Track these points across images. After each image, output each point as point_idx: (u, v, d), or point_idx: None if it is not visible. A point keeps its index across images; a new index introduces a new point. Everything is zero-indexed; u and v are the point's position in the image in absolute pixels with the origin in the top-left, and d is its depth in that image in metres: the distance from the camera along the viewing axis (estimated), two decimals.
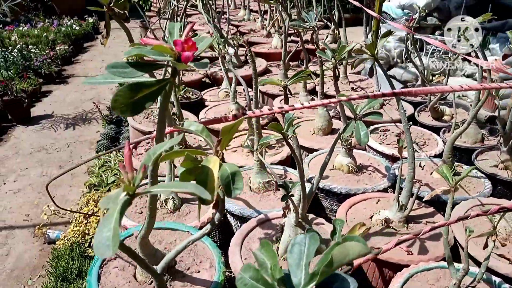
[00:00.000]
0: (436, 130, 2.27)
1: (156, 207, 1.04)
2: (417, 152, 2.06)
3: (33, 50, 5.66)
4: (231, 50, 2.04)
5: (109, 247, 0.50)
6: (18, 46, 5.50)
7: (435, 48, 5.01)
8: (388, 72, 5.39)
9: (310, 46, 3.35)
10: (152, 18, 5.35)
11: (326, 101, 0.93)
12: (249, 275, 0.56)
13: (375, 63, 1.46)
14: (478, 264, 1.31)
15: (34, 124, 4.35)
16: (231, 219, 1.69)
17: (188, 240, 0.76)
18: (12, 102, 4.28)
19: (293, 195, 1.15)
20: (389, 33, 1.41)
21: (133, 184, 0.57)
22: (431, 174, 1.85)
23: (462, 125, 2.16)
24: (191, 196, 1.69)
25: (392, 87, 1.43)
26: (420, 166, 1.91)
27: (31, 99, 4.66)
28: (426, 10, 5.55)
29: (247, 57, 1.77)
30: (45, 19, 7.67)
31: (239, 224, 1.62)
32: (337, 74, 1.57)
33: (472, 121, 1.69)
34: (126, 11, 1.01)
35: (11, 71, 4.59)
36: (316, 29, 1.96)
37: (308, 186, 1.30)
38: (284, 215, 1.20)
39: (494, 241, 1.00)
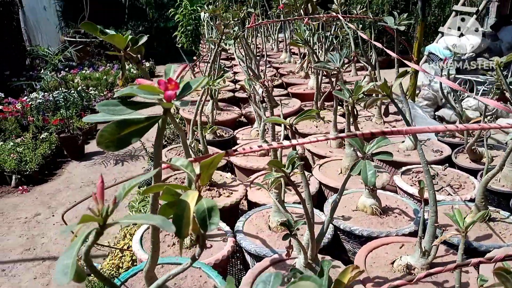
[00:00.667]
0: (474, 173, 2.14)
1: (159, 240, 1.07)
2: (451, 195, 1.95)
3: (92, 92, 6.16)
4: (260, 90, 2.11)
5: (66, 274, 0.53)
6: (79, 88, 6.02)
7: (486, 89, 4.81)
8: (436, 113, 5.22)
9: None
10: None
11: (322, 138, 0.93)
12: None
13: (397, 103, 1.44)
14: None
15: (86, 160, 4.67)
16: (248, 258, 1.68)
17: (168, 274, 0.78)
18: (68, 139, 4.64)
19: (295, 234, 1.13)
20: (405, 72, 1.40)
21: (101, 215, 0.60)
22: (464, 218, 1.73)
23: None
24: (208, 232, 1.71)
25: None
26: (453, 208, 1.80)
27: (86, 136, 5.03)
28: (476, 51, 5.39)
29: (269, 95, 1.82)
30: (107, 63, 8.37)
31: (254, 263, 1.60)
32: (355, 113, 1.56)
33: (505, 163, 1.59)
34: (139, 55, 1.09)
35: (70, 110, 5.00)
36: (342, 70, 1.98)
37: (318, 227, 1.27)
38: (288, 255, 1.17)
39: None
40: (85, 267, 0.73)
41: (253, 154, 2.44)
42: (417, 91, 5.29)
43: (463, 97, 4.53)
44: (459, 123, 3.01)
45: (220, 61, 3.88)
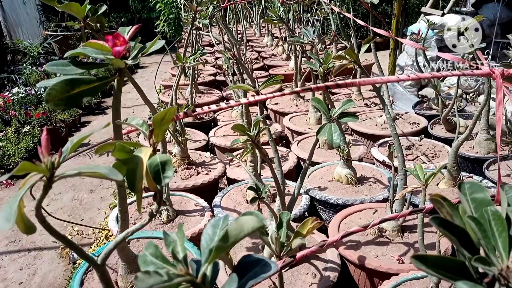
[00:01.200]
0: (449, 142, 2.18)
1: (127, 209, 1.08)
2: (426, 163, 1.98)
3: None
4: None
5: (9, 221, 0.54)
6: None
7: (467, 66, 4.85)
8: (420, 93, 5.26)
9: None
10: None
11: (278, 94, 0.94)
12: (149, 251, 0.58)
13: (360, 69, 1.45)
14: None
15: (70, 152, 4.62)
16: None
17: (126, 231, 0.79)
18: (51, 131, 4.60)
19: (264, 198, 1.15)
20: (371, 38, 1.41)
21: (47, 167, 0.61)
22: (437, 184, 1.77)
23: (476, 135, 2.08)
24: (186, 208, 1.72)
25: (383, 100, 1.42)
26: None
27: (70, 129, 4.99)
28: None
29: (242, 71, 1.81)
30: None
31: None
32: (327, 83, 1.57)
33: (473, 127, 1.62)
34: (99, 24, 1.09)
35: None
36: (315, 44, 1.99)
37: (305, 199, 1.29)
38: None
39: None
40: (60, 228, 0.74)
41: (234, 133, 2.45)
42: (401, 72, 5.32)
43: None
44: (427, 86, 3.02)
45: (202, 46, 3.86)
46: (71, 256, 2.35)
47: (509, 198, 0.53)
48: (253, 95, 1.18)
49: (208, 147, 2.51)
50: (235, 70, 1.63)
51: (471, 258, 0.49)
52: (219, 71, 3.93)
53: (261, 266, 0.62)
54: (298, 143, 2.28)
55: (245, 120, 1.53)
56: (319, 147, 2.22)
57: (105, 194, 3.19)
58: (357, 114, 2.65)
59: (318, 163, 2.03)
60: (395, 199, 1.28)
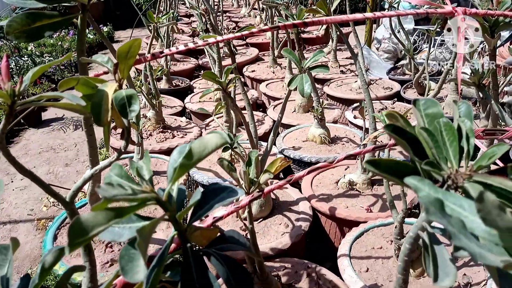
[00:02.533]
0: None
1: (98, 159, 1.08)
2: None
3: (47, 59, 5.89)
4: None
5: None
6: (32, 55, 5.74)
7: (443, 40, 4.92)
8: (397, 65, 5.33)
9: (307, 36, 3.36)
10: None
11: (246, 32, 0.94)
12: (114, 172, 0.58)
13: (336, 28, 1.46)
14: None
15: (44, 126, 4.52)
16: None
17: (94, 169, 0.79)
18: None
19: (236, 147, 1.16)
20: None
21: (8, 93, 0.60)
22: None
23: (446, 97, 2.13)
24: (162, 169, 1.72)
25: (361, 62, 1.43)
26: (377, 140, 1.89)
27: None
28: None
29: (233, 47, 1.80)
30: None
31: None
32: (300, 41, 1.58)
33: (440, 88, 1.66)
34: None
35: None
36: (290, 4, 1.98)
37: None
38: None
39: None
40: None
41: (209, 99, 2.44)
42: (378, 45, 5.36)
43: (421, 48, 4.64)
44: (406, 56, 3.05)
45: (178, 14, 3.78)
46: (47, 227, 2.33)
47: (461, 112, 0.56)
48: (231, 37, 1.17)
49: (184, 114, 2.49)
50: (208, 26, 1.61)
51: (421, 162, 0.51)
52: (195, 38, 3.87)
53: (228, 192, 0.63)
54: (274, 108, 2.29)
55: (218, 69, 1.52)
56: (294, 110, 2.24)
57: (81, 168, 3.15)
58: (332, 80, 2.67)
59: (293, 126, 2.05)
60: (362, 143, 1.31)
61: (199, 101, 2.45)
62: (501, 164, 0.62)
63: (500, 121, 1.25)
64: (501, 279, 0.43)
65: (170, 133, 1.99)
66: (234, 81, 1.11)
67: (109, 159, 0.81)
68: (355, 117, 2.10)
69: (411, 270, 1.10)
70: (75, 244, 0.45)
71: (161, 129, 2.00)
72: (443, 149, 0.54)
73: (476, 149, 0.65)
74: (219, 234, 0.70)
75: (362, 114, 1.48)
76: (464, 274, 1.09)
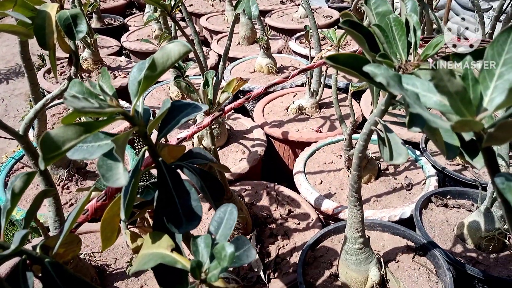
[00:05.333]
0: None
1: (40, 97, 1.02)
2: (339, 50, 2.09)
3: None
4: None
5: None
6: None
7: None
8: None
9: None
10: None
11: None
12: (75, 90, 0.56)
13: None
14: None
15: None
16: None
17: (45, 98, 0.76)
18: None
19: (187, 76, 1.15)
20: None
21: None
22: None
23: None
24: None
25: None
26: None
27: None
28: None
29: None
30: None
31: None
32: None
33: None
34: None
35: None
36: None
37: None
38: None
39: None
40: None
41: (151, 37, 2.33)
42: None
43: None
44: None
45: None
46: None
47: (407, 8, 0.59)
48: None
49: (121, 53, 2.37)
50: None
51: (375, 55, 0.55)
52: None
53: (192, 108, 0.64)
54: (217, 41, 2.24)
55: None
56: (238, 43, 2.22)
57: (13, 123, 2.91)
58: (273, 11, 2.64)
59: (239, 58, 2.04)
60: (313, 61, 1.35)
61: (137, 39, 2.33)
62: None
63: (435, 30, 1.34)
64: (447, 149, 0.50)
65: (111, 73, 1.90)
66: (179, 5, 1.07)
67: (58, 87, 0.77)
68: (300, 43, 2.12)
69: None
70: (48, 159, 0.45)
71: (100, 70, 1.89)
72: (393, 43, 0.58)
73: None
74: (186, 151, 0.72)
75: (307, 38, 1.51)
76: (406, 177, 1.21)
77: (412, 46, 0.56)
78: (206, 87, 0.85)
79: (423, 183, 1.18)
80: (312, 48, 1.52)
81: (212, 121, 0.83)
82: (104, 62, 1.93)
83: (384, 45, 0.57)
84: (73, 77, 0.75)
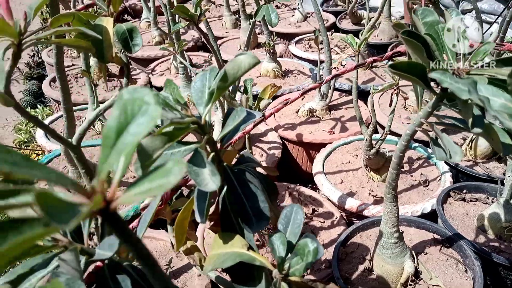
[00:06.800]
0: (356, 33, 2.37)
1: (71, 102, 1.03)
2: (339, 54, 2.15)
3: None
4: None
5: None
6: None
7: None
8: None
9: None
10: None
11: None
12: (164, 95, 0.59)
13: None
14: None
15: None
16: None
17: (99, 109, 0.78)
18: None
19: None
20: None
21: (18, 32, 0.56)
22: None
23: (379, 25, 2.28)
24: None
25: None
26: (341, 65, 2.01)
27: None
28: None
29: None
30: None
31: None
32: None
33: (379, 16, 1.78)
34: None
35: None
36: None
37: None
38: None
39: (397, 94, 1.11)
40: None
41: (150, 44, 2.34)
42: None
43: None
44: None
45: None
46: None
47: (452, 16, 0.64)
48: None
49: None
50: None
51: (429, 63, 0.60)
52: None
53: (249, 115, 0.68)
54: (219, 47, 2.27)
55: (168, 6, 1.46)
56: (240, 48, 2.25)
57: (2, 133, 2.85)
58: None
59: None
60: (335, 65, 1.40)
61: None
62: None
63: None
64: (503, 146, 0.55)
65: (117, 81, 1.91)
66: (204, 14, 1.10)
67: (111, 99, 0.80)
68: (307, 47, 2.17)
69: (377, 176, 1.26)
70: (146, 166, 0.48)
71: (107, 77, 1.90)
72: (442, 50, 0.63)
73: None
74: (238, 155, 0.76)
75: (317, 44, 1.56)
76: (421, 174, 1.27)
77: (461, 53, 0.61)
78: (245, 93, 0.89)
79: (439, 179, 1.24)
80: (322, 52, 1.57)
81: (254, 126, 0.86)
82: (109, 70, 1.94)
83: (436, 52, 0.61)
84: (124, 88, 0.78)
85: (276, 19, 1.21)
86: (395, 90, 1.13)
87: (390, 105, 1.25)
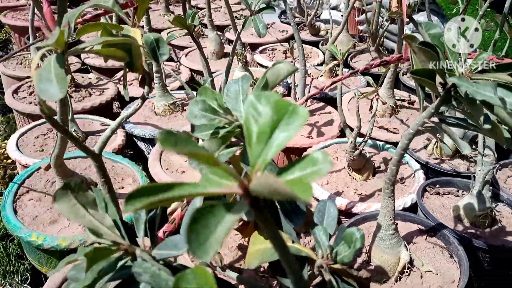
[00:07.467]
0: (315, 44, 2.50)
1: (67, 114, 1.01)
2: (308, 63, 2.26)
3: None
4: None
5: (57, 89, 0.51)
6: None
7: None
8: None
9: None
10: None
11: None
12: (198, 107, 0.62)
13: None
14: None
15: None
16: (142, 146, 1.70)
17: (121, 117, 0.78)
18: None
19: None
20: None
21: (63, 37, 0.57)
22: (317, 78, 2.07)
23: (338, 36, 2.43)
24: (94, 129, 1.63)
25: None
26: (307, 74, 2.12)
27: None
28: None
29: None
30: None
31: (150, 148, 1.63)
32: None
33: (342, 29, 1.92)
34: None
35: None
36: None
37: None
38: None
39: (377, 100, 1.21)
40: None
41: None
42: None
43: None
44: None
45: None
46: None
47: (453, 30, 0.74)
48: None
49: (85, 70, 2.30)
50: None
51: (440, 70, 0.69)
52: None
53: None
54: (185, 56, 2.29)
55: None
56: (208, 57, 2.28)
57: None
58: (230, 26, 2.74)
59: (213, 72, 2.10)
60: (321, 73, 1.48)
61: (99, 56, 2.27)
62: None
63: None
64: (506, 140, 0.65)
65: (85, 91, 1.85)
66: (198, 26, 1.13)
67: (133, 107, 0.80)
68: (271, 56, 2.25)
69: (359, 176, 1.35)
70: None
71: (74, 88, 1.84)
72: (449, 58, 0.72)
73: None
74: None
75: (292, 54, 1.64)
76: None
77: (462, 60, 0.71)
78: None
79: (413, 177, 1.36)
80: (297, 61, 1.65)
81: None
82: (75, 80, 1.88)
83: (441, 61, 0.71)
84: (146, 96, 0.79)
85: (264, 30, 1.27)
86: (375, 95, 1.24)
87: (371, 109, 1.36)
